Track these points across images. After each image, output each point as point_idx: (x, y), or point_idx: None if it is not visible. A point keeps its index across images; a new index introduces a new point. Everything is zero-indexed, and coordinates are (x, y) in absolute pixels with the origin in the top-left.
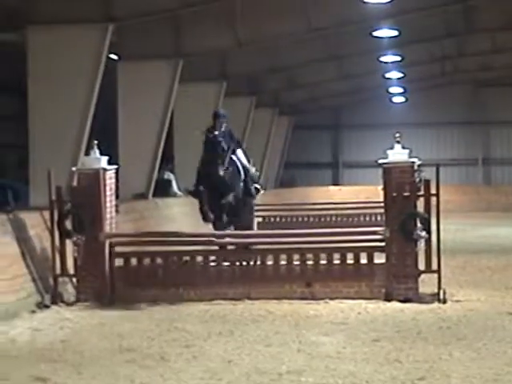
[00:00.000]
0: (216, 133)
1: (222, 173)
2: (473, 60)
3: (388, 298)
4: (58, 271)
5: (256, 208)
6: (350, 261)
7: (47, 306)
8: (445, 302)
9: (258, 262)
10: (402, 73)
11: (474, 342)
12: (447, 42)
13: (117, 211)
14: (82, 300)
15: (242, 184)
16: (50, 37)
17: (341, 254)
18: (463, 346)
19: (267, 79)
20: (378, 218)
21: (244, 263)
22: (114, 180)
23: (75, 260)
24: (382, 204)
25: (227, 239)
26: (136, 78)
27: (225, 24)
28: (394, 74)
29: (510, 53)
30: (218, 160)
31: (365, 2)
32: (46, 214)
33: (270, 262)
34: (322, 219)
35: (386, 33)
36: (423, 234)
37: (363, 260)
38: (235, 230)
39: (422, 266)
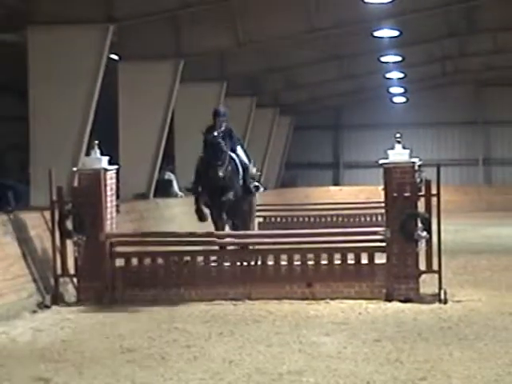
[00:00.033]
0: (215, 134)
1: (221, 174)
2: (474, 60)
3: (389, 299)
4: (59, 271)
5: (257, 208)
6: (350, 261)
7: (48, 306)
8: (446, 302)
9: (259, 263)
10: (403, 73)
11: (475, 342)
12: (448, 42)
13: (117, 211)
14: (82, 300)
15: (241, 181)
16: (51, 37)
17: (341, 254)
18: (464, 346)
19: (268, 79)
20: (379, 219)
21: (245, 263)
22: (114, 180)
23: (76, 260)
24: (383, 204)
25: (228, 239)
26: (137, 78)
27: (225, 24)
28: (395, 74)
29: (511, 53)
30: (217, 162)
31: (365, 2)
32: (47, 214)
33: (270, 262)
34: (323, 219)
35: (386, 33)
36: (424, 234)
37: (364, 260)
38: (233, 225)
39: (422, 266)
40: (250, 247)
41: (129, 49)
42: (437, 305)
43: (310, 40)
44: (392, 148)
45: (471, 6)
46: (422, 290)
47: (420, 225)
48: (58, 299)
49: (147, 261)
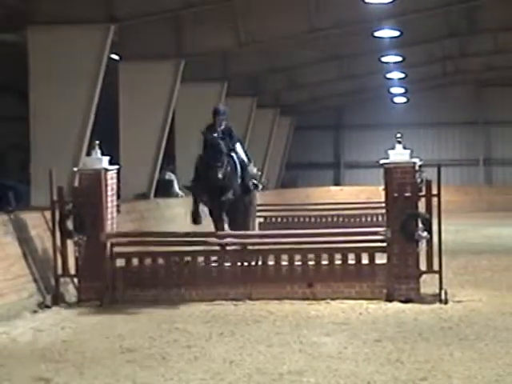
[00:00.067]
0: (215, 134)
1: (221, 176)
2: (474, 60)
3: (389, 299)
4: (60, 271)
5: (257, 208)
6: (351, 261)
7: (48, 307)
8: (446, 302)
9: (260, 263)
10: (404, 73)
11: (476, 342)
12: (449, 42)
13: (118, 211)
14: (83, 300)
15: (239, 180)
16: (51, 37)
17: (342, 254)
18: (465, 346)
19: (268, 79)
20: (380, 219)
21: (245, 263)
22: (115, 180)
23: (76, 260)
24: (384, 204)
25: (228, 239)
26: (137, 78)
27: (226, 24)
28: (396, 75)
29: (511, 53)
30: (217, 163)
31: (366, 2)
32: (48, 214)
33: (271, 263)
34: (324, 219)
35: (387, 33)
36: (424, 234)
37: (364, 260)
38: (230, 224)
39: (423, 266)
40: (249, 247)
41: (129, 49)
42: (437, 305)
43: (310, 40)
44: (393, 148)
45: (472, 6)
46: (422, 290)
47: (421, 225)
48: (58, 299)
49: (148, 261)
